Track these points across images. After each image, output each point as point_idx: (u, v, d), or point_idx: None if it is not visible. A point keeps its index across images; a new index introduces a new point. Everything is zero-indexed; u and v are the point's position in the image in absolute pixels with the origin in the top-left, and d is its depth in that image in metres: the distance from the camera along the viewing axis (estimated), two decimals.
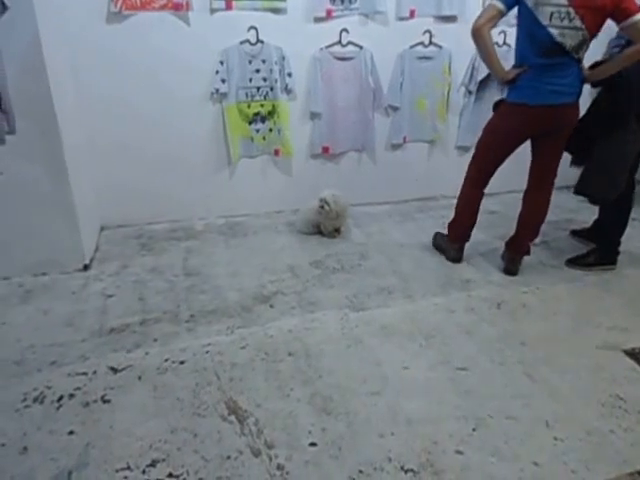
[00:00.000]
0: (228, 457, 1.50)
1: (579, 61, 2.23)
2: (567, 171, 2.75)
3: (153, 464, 1.47)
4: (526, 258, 2.64)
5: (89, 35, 2.77)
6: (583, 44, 2.17)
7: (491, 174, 2.57)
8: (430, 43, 3.36)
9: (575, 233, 3.12)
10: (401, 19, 3.26)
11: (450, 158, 3.73)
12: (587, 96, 2.42)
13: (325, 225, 3.05)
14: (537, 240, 2.69)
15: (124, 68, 2.89)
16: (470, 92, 3.54)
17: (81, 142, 2.83)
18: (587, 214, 3.13)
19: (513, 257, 2.62)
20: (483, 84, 3.50)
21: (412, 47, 3.34)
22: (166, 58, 2.93)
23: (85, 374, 1.84)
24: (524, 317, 2.26)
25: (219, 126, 3.17)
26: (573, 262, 2.72)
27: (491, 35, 2.25)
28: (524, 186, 2.59)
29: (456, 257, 2.74)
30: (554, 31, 2.12)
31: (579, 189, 2.62)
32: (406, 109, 3.48)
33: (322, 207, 2.92)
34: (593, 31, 2.15)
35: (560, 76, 2.22)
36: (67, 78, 2.70)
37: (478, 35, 2.21)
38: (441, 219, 3.39)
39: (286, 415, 1.66)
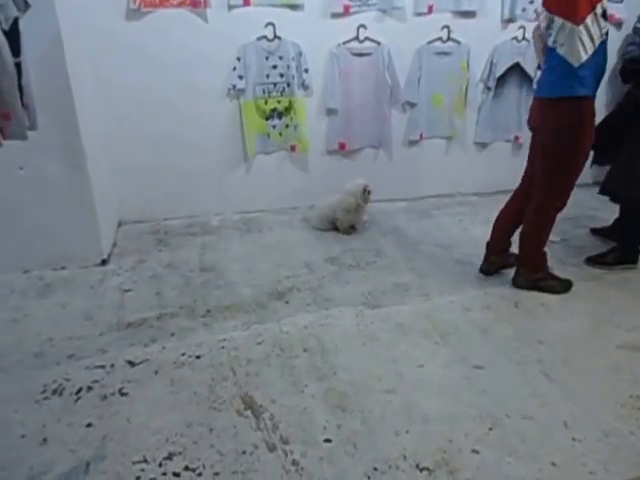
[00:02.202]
0: (244, 452, 1.50)
1: (554, 49, 2.07)
2: (586, 168, 2.70)
3: (169, 457, 1.49)
4: None
5: (109, 32, 2.81)
6: (550, 27, 2.06)
7: (526, 173, 2.42)
8: (448, 38, 3.33)
9: (595, 231, 3.06)
10: (419, 14, 3.23)
11: (468, 154, 3.69)
12: (603, 94, 2.33)
13: (342, 221, 3.04)
14: (557, 238, 2.63)
15: (142, 65, 2.92)
16: (489, 88, 3.50)
17: (100, 139, 2.87)
18: (608, 212, 3.06)
19: (517, 269, 2.45)
20: (502, 80, 3.46)
21: (430, 43, 3.32)
22: (184, 55, 2.95)
23: (103, 367, 1.87)
24: (542, 316, 2.23)
25: (236, 122, 3.19)
26: (593, 261, 2.67)
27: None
28: None
29: (482, 268, 2.58)
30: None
31: (607, 189, 2.56)
32: (423, 105, 3.46)
33: (367, 192, 2.94)
34: (552, 9, 2.04)
35: (544, 69, 2.19)
36: (87, 75, 2.73)
37: (532, 37, 2.36)
38: (458, 216, 3.37)
39: (301, 411, 1.66)
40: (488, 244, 2.56)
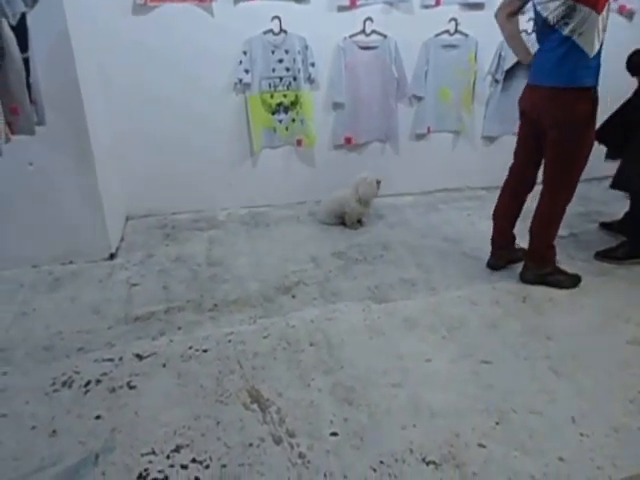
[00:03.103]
0: (250, 444, 1.51)
1: (569, 38, 1.98)
2: (595, 162, 2.66)
3: (177, 449, 1.50)
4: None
5: (115, 26, 2.81)
6: (568, 15, 1.95)
7: (517, 167, 2.42)
8: (456, 31, 3.29)
9: (605, 225, 3.03)
10: (426, 7, 3.20)
11: (476, 148, 3.66)
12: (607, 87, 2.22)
13: (351, 214, 3.03)
14: (566, 233, 2.61)
15: (149, 59, 2.92)
16: (497, 81, 3.46)
17: (107, 133, 2.88)
18: (617, 206, 3.03)
19: (525, 263, 2.43)
20: (510, 73, 3.41)
21: (437, 35, 3.29)
22: (190, 49, 2.95)
23: (111, 360, 1.89)
24: (550, 311, 2.21)
25: (242, 116, 3.18)
26: (602, 255, 2.65)
27: (512, 20, 2.20)
28: None
29: (489, 263, 2.57)
30: (540, 7, 2.06)
31: (616, 184, 2.53)
32: (430, 99, 3.43)
33: (378, 183, 2.99)
34: None
35: (546, 57, 2.09)
36: (94, 69, 2.74)
37: (496, 19, 2.25)
38: (466, 211, 3.35)
39: (307, 404, 1.66)
40: (492, 240, 2.55)
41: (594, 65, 2.04)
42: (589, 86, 2.06)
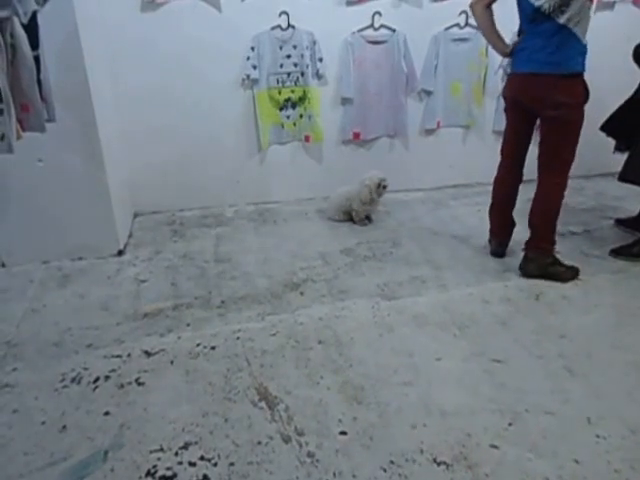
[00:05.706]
0: (259, 442, 1.50)
1: (565, 27, 2.05)
2: (610, 157, 2.60)
3: (185, 447, 1.49)
4: (566, 247, 2.52)
5: (124, 24, 2.81)
6: (566, 4, 2.01)
7: (510, 156, 2.47)
8: (466, 24, 3.25)
9: (620, 222, 2.97)
10: (435, 0, 3.15)
11: (486, 143, 3.61)
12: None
13: (358, 212, 3.01)
14: (579, 229, 2.57)
15: (157, 56, 2.91)
16: (507, 74, 3.41)
17: (116, 130, 2.87)
18: (633, 202, 2.97)
19: (525, 254, 2.41)
20: None
21: (447, 29, 3.25)
22: (198, 45, 2.94)
23: (120, 357, 1.88)
24: (564, 309, 2.17)
25: (250, 113, 3.17)
26: (618, 252, 2.60)
27: (488, 11, 2.25)
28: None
29: (493, 251, 2.62)
30: None
31: (623, 176, 2.49)
32: (440, 93, 3.39)
33: (382, 187, 2.94)
34: None
35: (540, 45, 2.12)
36: (103, 67, 2.74)
37: (472, 12, 2.31)
38: (476, 206, 3.31)
39: (316, 403, 1.65)
40: (492, 231, 2.61)
41: (585, 52, 2.12)
42: (582, 71, 2.14)
